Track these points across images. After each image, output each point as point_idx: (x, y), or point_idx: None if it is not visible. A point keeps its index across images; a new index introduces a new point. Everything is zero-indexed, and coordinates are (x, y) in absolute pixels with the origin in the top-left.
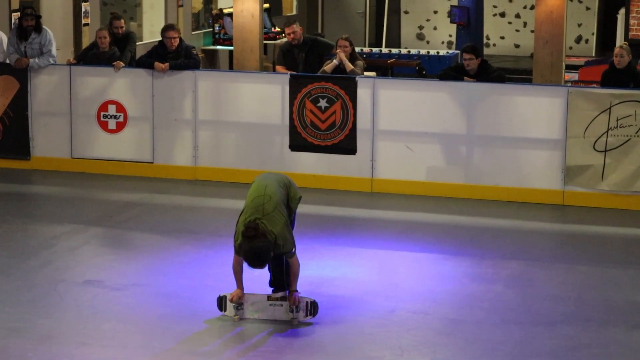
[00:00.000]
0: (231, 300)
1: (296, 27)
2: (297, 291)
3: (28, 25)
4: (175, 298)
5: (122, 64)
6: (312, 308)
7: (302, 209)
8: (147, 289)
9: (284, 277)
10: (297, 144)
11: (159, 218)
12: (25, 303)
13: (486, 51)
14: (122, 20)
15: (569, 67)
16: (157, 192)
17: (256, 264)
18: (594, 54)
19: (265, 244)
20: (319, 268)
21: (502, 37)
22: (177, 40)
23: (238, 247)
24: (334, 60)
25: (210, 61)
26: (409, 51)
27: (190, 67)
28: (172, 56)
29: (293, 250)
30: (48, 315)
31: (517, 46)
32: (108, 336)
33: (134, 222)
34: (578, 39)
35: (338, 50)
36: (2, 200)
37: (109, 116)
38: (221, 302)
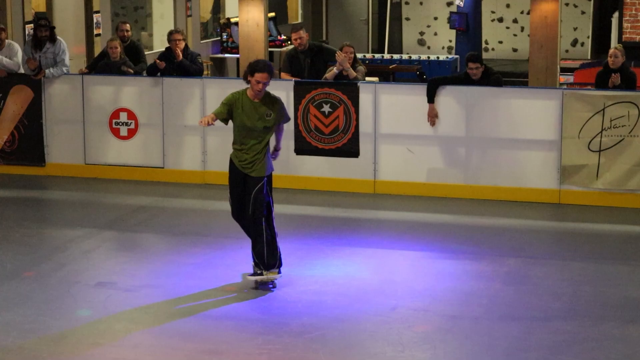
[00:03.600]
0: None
1: (303, 34)
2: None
3: (42, 36)
4: (185, 299)
5: (131, 71)
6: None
7: (306, 210)
8: (158, 290)
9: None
10: (302, 147)
11: (169, 221)
12: (39, 305)
13: (485, 55)
14: (128, 25)
15: (565, 70)
16: (167, 196)
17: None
18: (589, 57)
19: None
20: (324, 267)
21: (501, 42)
22: (182, 43)
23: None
24: (334, 69)
25: (219, 69)
26: (410, 57)
27: (194, 72)
28: (177, 62)
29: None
30: (62, 317)
31: (515, 50)
32: (120, 336)
33: (146, 225)
34: (574, 42)
35: (338, 55)
36: (18, 205)
37: (120, 123)
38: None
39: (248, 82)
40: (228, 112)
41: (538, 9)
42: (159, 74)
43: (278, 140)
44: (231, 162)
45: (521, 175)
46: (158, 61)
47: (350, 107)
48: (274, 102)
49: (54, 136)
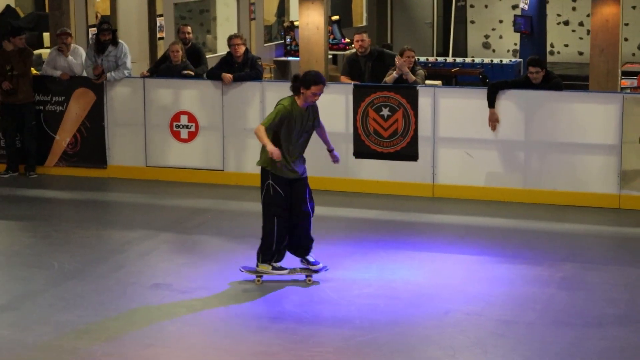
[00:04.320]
0: (274, 156)
1: (365, 37)
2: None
3: (105, 40)
4: (239, 302)
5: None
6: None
7: (365, 214)
8: (213, 293)
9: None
10: (361, 151)
11: (228, 224)
12: (95, 305)
13: (550, 59)
14: (189, 27)
15: (630, 74)
16: (226, 199)
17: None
18: None
19: None
20: (379, 271)
21: (566, 45)
22: (242, 47)
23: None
24: (394, 73)
25: (282, 71)
26: (473, 60)
27: (253, 78)
28: (238, 67)
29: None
30: (117, 318)
31: (580, 53)
32: (173, 338)
33: (204, 227)
34: None
35: (397, 59)
36: (79, 207)
37: (181, 126)
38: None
39: (300, 93)
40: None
41: (599, 13)
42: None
43: (328, 142)
44: (273, 175)
45: (580, 180)
46: (227, 77)
47: (409, 111)
48: (314, 107)
49: (115, 139)
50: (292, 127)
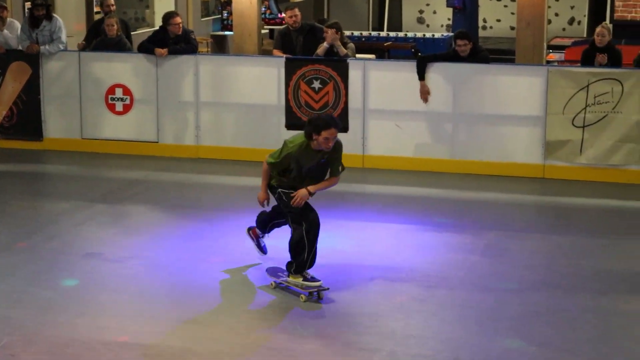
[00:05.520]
0: (261, 203)
1: (297, 12)
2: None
3: (39, 14)
4: (171, 270)
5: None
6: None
7: None
8: (145, 262)
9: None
10: (293, 122)
11: (161, 195)
12: (28, 275)
13: (483, 33)
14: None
15: (558, 48)
16: (161, 170)
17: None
18: (585, 35)
19: None
20: None
21: (499, 20)
22: (182, 25)
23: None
24: (324, 44)
25: (219, 46)
26: (406, 34)
27: (188, 52)
28: (172, 41)
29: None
30: (49, 287)
31: (512, 28)
32: (104, 306)
33: (138, 198)
34: (570, 21)
35: (326, 31)
36: (15, 179)
37: (116, 99)
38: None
39: (312, 140)
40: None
41: None
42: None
43: (319, 188)
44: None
45: (506, 150)
46: (161, 51)
47: (340, 84)
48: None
49: (51, 111)
50: (302, 166)
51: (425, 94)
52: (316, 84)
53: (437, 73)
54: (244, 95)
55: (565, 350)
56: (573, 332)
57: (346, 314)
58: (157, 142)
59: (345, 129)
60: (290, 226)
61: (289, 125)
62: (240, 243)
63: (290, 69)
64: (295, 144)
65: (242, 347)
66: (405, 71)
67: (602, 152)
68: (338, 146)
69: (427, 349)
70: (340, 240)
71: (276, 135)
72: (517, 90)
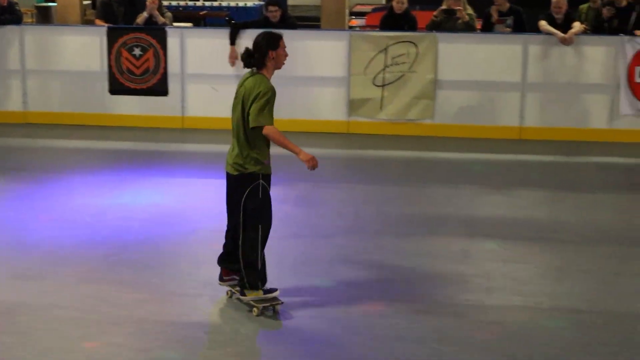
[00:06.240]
0: (313, 167)
1: None
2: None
3: None
4: (1, 227)
5: None
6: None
7: (121, 145)
8: None
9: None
10: (116, 88)
11: (32, 160)
12: None
13: (292, 2)
14: None
15: (359, 14)
16: None
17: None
18: (384, 2)
19: None
20: (133, 196)
21: None
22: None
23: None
24: (144, 14)
25: (44, 16)
26: (220, 4)
27: (12, 22)
28: None
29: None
30: None
31: None
32: None
33: None
34: None
35: (148, 1)
36: None
37: None
38: None
39: (270, 60)
40: None
41: None
42: None
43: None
44: (264, 186)
45: (315, 109)
46: None
47: (159, 50)
48: None
49: None
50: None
51: (232, 58)
52: (137, 51)
53: (249, 39)
54: (69, 63)
55: (368, 288)
56: (378, 272)
57: (169, 264)
58: None
59: (165, 92)
60: (238, 232)
61: (113, 91)
62: (68, 202)
63: (112, 37)
64: (270, 86)
65: (70, 299)
66: (220, 38)
67: (400, 108)
68: None
69: None
70: (164, 196)
71: (101, 101)
72: (323, 53)
